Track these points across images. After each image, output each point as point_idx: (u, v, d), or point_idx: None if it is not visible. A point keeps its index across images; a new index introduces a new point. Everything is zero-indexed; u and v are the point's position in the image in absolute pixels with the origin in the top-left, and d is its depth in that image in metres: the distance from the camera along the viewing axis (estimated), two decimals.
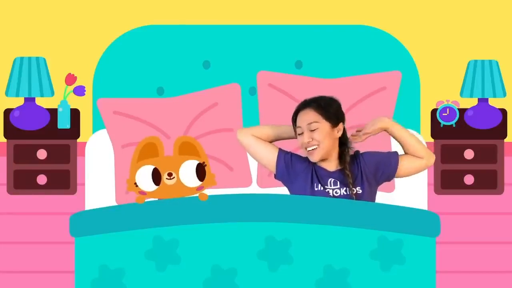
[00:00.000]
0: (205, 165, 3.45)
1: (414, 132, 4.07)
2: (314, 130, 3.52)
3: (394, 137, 3.64)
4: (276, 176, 3.64)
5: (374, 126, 3.63)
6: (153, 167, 3.38)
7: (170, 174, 3.40)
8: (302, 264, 3.18)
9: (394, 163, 3.59)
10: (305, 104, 3.59)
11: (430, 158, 3.62)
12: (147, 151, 3.42)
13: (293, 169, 3.58)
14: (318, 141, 3.51)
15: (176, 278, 3.19)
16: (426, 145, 3.68)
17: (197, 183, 3.43)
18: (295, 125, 3.59)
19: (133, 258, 3.21)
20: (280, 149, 3.62)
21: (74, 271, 3.29)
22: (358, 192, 3.52)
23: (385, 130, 3.64)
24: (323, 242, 3.20)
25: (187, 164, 3.42)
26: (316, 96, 3.62)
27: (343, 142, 3.61)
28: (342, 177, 3.55)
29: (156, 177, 3.40)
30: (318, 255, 3.19)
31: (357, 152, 3.63)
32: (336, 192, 3.52)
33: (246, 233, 3.19)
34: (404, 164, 3.60)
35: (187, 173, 3.41)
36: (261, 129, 3.68)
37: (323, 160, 3.57)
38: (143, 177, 3.39)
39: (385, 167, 3.59)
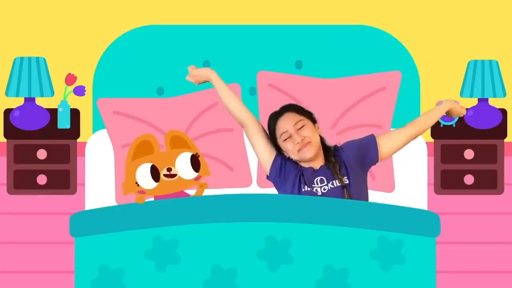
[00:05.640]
0: (199, 155, 3.47)
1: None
2: (302, 128, 3.52)
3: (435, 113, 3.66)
4: (268, 178, 3.63)
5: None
6: (151, 164, 3.40)
7: (169, 169, 3.41)
8: (302, 264, 3.18)
9: (372, 145, 3.57)
10: (281, 112, 3.59)
11: (412, 128, 3.61)
12: (142, 149, 3.43)
13: (285, 174, 3.57)
14: (310, 137, 3.52)
15: (176, 278, 3.19)
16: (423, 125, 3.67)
17: (194, 174, 3.45)
18: (277, 136, 3.55)
19: (133, 258, 3.21)
20: (278, 153, 3.60)
21: (74, 271, 3.29)
22: (345, 181, 3.52)
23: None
24: (323, 242, 3.20)
25: (182, 157, 3.43)
26: (281, 107, 3.62)
27: (322, 140, 3.62)
28: (327, 172, 3.54)
29: (155, 174, 3.40)
30: (318, 255, 3.19)
31: (335, 146, 3.62)
32: (324, 189, 3.52)
33: (246, 233, 3.19)
34: (384, 144, 3.58)
35: (184, 165, 3.42)
36: (231, 104, 3.63)
37: (311, 159, 3.56)
38: (144, 175, 3.39)
39: (365, 152, 3.57)
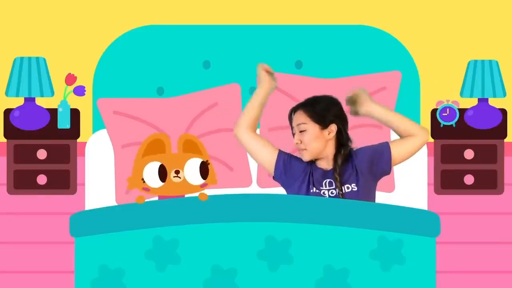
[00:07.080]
0: (209, 163, 3.47)
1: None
2: (303, 131, 3.55)
3: (377, 119, 3.58)
4: (274, 178, 3.64)
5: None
6: (160, 163, 3.40)
7: (177, 172, 3.41)
8: (302, 264, 3.18)
9: (386, 154, 3.55)
10: (299, 105, 3.62)
11: (423, 133, 3.56)
12: (154, 147, 3.43)
13: (291, 172, 3.57)
14: (306, 144, 3.54)
15: (176, 278, 3.19)
16: (415, 122, 3.60)
17: (201, 181, 3.45)
18: (291, 125, 3.63)
19: (133, 258, 3.21)
20: (280, 151, 3.61)
21: (74, 271, 3.29)
22: (353, 189, 3.51)
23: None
24: (323, 242, 3.20)
25: (192, 162, 3.44)
26: (314, 96, 3.64)
27: (342, 142, 3.59)
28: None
29: (163, 173, 3.41)
30: (318, 255, 3.19)
31: (350, 150, 3.61)
32: (332, 193, 3.51)
33: (246, 233, 3.19)
34: (396, 150, 3.56)
35: (192, 171, 3.43)
36: (249, 114, 3.60)
37: (320, 158, 3.57)
38: (152, 173, 3.40)
39: (379, 158, 3.55)
